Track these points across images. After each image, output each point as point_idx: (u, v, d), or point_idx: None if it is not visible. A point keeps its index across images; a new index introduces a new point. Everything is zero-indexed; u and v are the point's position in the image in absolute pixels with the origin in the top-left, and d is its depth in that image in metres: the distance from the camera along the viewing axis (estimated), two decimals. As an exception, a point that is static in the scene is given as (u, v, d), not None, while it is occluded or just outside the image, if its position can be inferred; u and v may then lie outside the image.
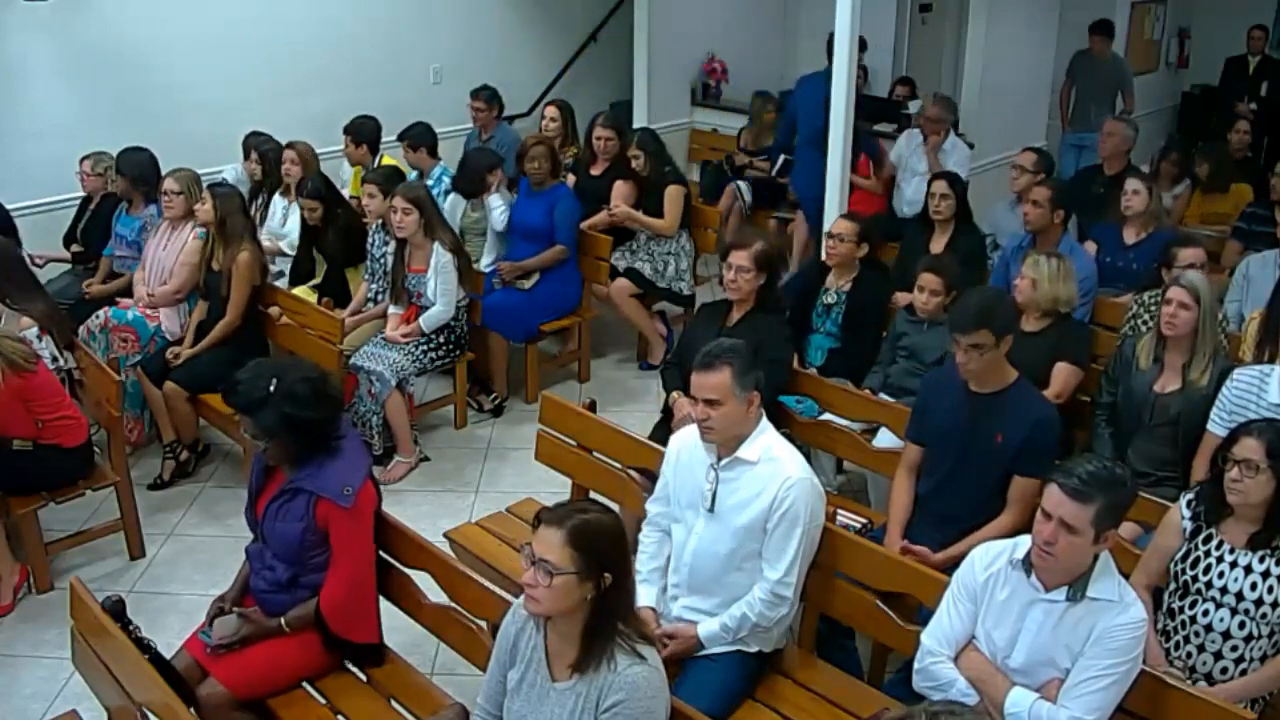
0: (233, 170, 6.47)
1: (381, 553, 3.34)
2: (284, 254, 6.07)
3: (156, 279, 5.42)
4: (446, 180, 6.27)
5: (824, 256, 5.16)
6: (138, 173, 5.64)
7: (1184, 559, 3.13)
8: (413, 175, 6.22)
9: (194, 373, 5.03)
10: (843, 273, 4.90)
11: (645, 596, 3.25)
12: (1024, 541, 2.76)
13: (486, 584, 3.22)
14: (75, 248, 6.05)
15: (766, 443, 3.13)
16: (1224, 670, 3.06)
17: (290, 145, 6.15)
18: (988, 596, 2.80)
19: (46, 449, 4.23)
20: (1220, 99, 9.37)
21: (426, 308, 5.34)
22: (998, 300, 3.72)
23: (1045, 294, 4.33)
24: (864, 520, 4.06)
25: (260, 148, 6.25)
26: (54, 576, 4.39)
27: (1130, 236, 5.41)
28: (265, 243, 5.96)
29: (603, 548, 2.43)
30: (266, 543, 3.24)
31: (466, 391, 5.78)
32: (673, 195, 6.14)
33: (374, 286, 5.66)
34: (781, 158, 7.21)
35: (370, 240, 5.66)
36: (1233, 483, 3.00)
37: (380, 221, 5.57)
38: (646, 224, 6.15)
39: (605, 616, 2.46)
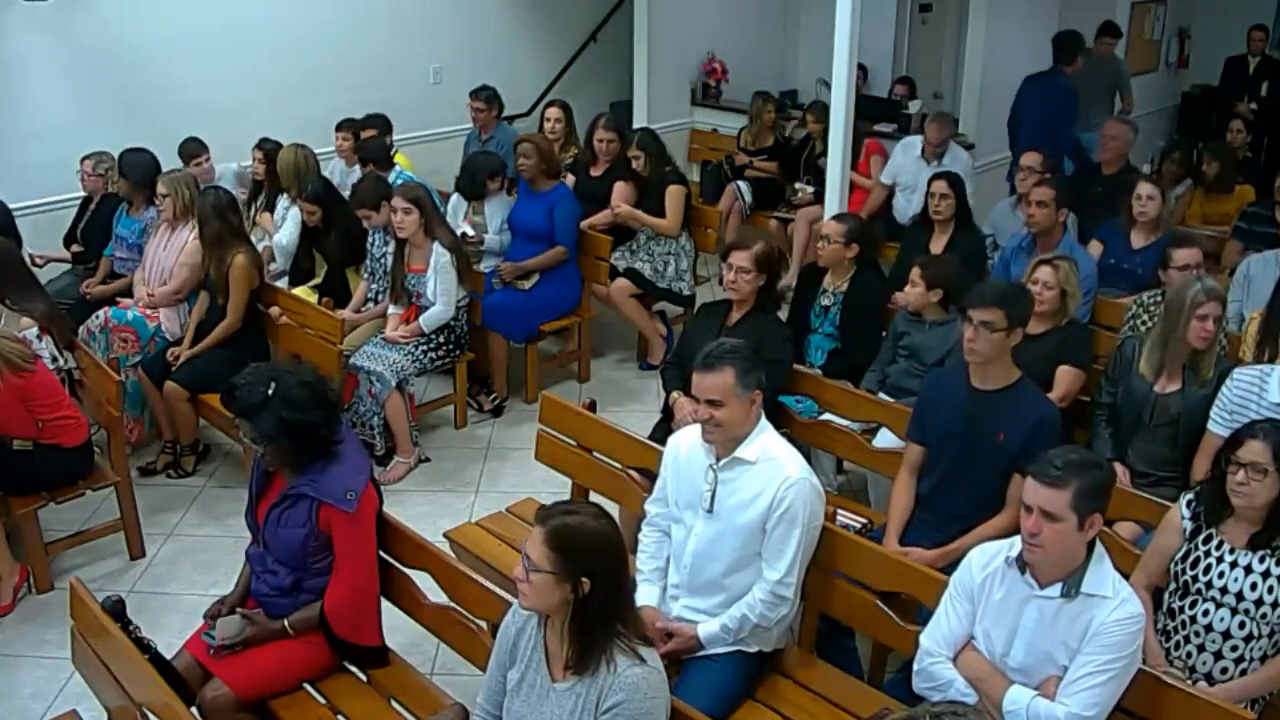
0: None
1: (382, 553, 3.33)
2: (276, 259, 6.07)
3: (156, 279, 5.42)
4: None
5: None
6: (140, 175, 5.64)
7: (1184, 559, 3.13)
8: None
9: (194, 373, 5.03)
10: (838, 273, 4.90)
11: (647, 596, 3.25)
12: (1020, 540, 2.76)
13: (486, 584, 3.22)
14: (75, 248, 6.05)
15: (765, 443, 3.12)
16: (1224, 670, 3.06)
17: (259, 146, 6.20)
18: (985, 596, 2.80)
19: (47, 449, 4.23)
20: (1220, 99, 9.37)
21: (426, 308, 5.34)
22: (1019, 292, 3.83)
23: (1073, 299, 4.42)
24: (864, 520, 4.06)
25: (263, 147, 6.25)
26: (54, 576, 4.39)
27: (1138, 240, 5.39)
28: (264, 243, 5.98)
29: (581, 550, 2.42)
30: (268, 548, 3.24)
31: (466, 391, 5.79)
32: (674, 195, 6.14)
33: (374, 287, 5.66)
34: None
35: (370, 240, 5.66)
36: (1238, 485, 2.99)
37: (380, 220, 5.58)
38: (651, 223, 6.14)
39: (590, 619, 2.45)
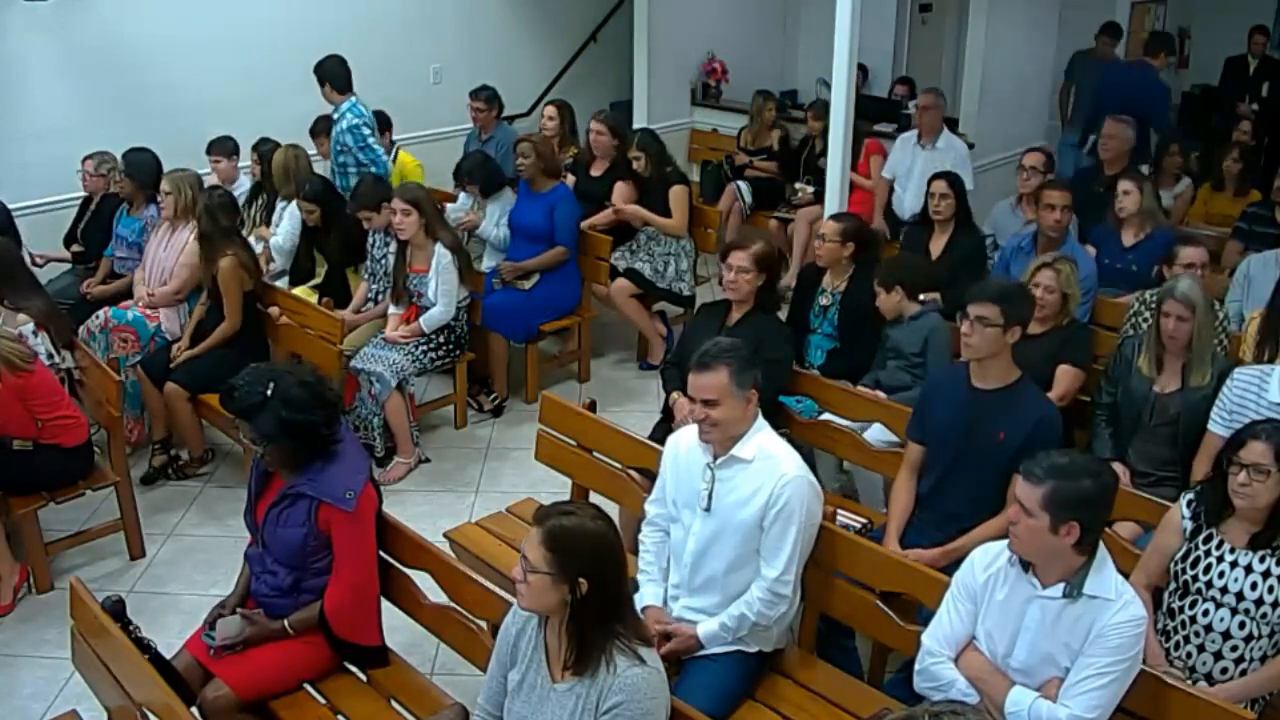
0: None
1: (382, 553, 3.33)
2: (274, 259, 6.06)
3: (157, 279, 5.42)
4: (350, 117, 6.07)
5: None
6: (144, 174, 5.65)
7: (1184, 559, 3.13)
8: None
9: (194, 373, 5.02)
10: (837, 273, 4.90)
11: (653, 596, 3.25)
12: None
13: (486, 584, 3.23)
14: (76, 248, 6.05)
15: (762, 441, 3.13)
16: (1224, 670, 3.06)
17: (255, 147, 6.21)
18: (987, 596, 2.80)
19: (47, 449, 4.23)
20: (1220, 99, 9.36)
21: (427, 308, 5.34)
22: (1019, 291, 3.86)
23: (1073, 299, 4.45)
24: (864, 520, 4.06)
25: (260, 148, 6.25)
26: (54, 576, 4.39)
27: (1129, 238, 5.40)
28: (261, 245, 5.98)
29: (577, 552, 2.42)
30: (267, 548, 3.24)
31: (466, 391, 5.78)
32: (679, 195, 6.13)
33: (374, 287, 5.66)
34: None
35: (370, 241, 5.66)
36: (1240, 487, 2.99)
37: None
38: (658, 223, 6.13)
39: (588, 620, 2.46)
